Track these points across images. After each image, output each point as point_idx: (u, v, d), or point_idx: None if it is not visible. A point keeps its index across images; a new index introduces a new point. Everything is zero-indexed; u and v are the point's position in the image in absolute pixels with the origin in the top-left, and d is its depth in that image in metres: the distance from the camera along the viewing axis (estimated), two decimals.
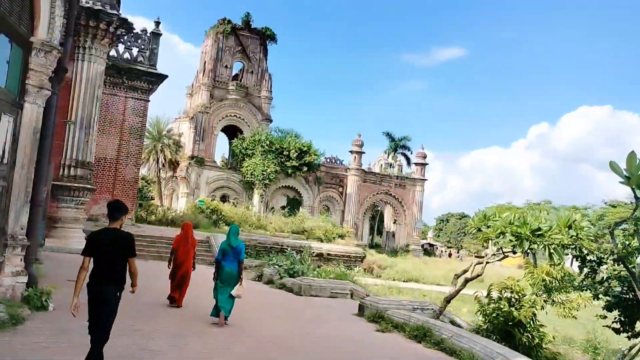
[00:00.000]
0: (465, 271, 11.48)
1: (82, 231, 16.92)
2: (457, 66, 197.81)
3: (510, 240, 10.16)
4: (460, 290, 11.02)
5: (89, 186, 16.08)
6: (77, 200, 16.12)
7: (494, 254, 11.56)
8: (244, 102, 46.38)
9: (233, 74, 48.13)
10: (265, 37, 48.62)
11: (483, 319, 10.30)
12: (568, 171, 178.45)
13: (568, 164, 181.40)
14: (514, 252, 10.39)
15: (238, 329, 8.83)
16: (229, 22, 47.07)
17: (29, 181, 7.49)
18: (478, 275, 11.17)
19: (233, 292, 8.95)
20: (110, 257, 5.07)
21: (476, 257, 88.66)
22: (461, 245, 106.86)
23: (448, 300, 11.14)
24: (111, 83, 20.97)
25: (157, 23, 22.38)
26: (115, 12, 15.51)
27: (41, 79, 7.40)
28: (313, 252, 20.95)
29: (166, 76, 22.09)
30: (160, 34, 22.34)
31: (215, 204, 33.70)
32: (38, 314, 7.45)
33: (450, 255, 69.93)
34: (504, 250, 10.75)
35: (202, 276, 13.22)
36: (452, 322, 12.32)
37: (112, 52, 21.33)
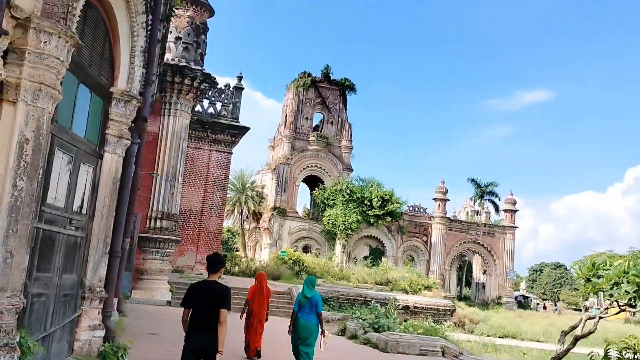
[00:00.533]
0: (574, 327, 10.18)
1: (167, 282, 17.01)
2: (542, 109, 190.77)
3: (627, 292, 8.91)
4: (570, 349, 9.74)
5: (174, 238, 16.24)
6: (162, 251, 16.29)
7: (607, 308, 10.19)
8: (324, 153, 46.63)
9: (313, 125, 48.75)
10: (344, 87, 49.15)
11: None
12: None
13: None
14: (632, 306, 9.08)
15: None
16: (309, 75, 48.08)
17: (108, 231, 7.38)
18: (590, 333, 9.85)
19: (320, 347, 8.48)
20: (208, 308, 5.13)
21: (575, 310, 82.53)
22: (558, 297, 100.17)
23: None
24: (196, 137, 21.56)
25: (240, 78, 22.98)
26: (199, 67, 15.95)
27: (121, 129, 7.38)
28: (398, 305, 19.83)
29: (248, 128, 22.46)
30: (242, 88, 22.89)
31: (297, 254, 33.48)
32: None
33: (545, 307, 65.32)
34: (620, 303, 9.45)
35: (281, 328, 12.69)
36: None
37: (198, 107, 22.03)
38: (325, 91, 48.62)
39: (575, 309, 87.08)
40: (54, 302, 6.28)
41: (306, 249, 44.16)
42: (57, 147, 5.97)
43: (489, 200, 56.12)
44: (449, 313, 20.37)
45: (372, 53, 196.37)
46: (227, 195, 45.20)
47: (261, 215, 44.98)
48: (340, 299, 20.57)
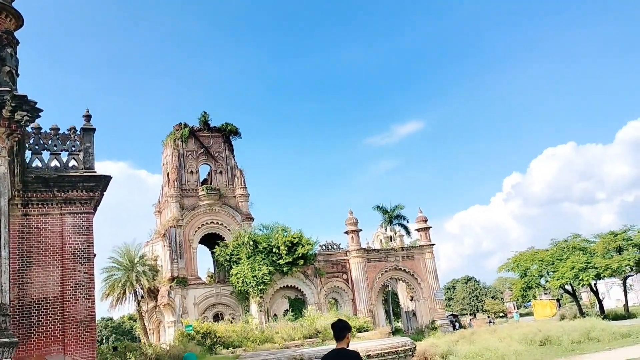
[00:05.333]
0: None
1: None
2: (418, 139, 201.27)
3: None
4: None
5: (5, 340, 10.85)
6: None
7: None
8: (218, 206, 41.85)
9: (201, 179, 43.98)
10: (228, 133, 45.13)
11: None
12: (551, 213, 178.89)
13: (549, 206, 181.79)
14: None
15: None
16: (186, 125, 43.58)
17: None
18: None
19: None
20: None
21: (502, 317, 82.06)
22: (477, 309, 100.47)
23: None
24: (39, 200, 16.29)
25: (87, 117, 18.05)
26: (6, 89, 11.14)
27: None
28: None
29: (109, 177, 17.51)
30: (93, 129, 17.93)
31: (206, 325, 28.12)
32: None
33: (469, 322, 63.45)
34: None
35: None
36: None
37: (36, 163, 16.85)
38: (207, 140, 44.27)
39: (502, 316, 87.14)
40: None
41: (218, 317, 38.61)
42: None
43: (398, 224, 53.92)
44: (410, 353, 16.35)
45: (254, 100, 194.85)
46: (114, 277, 39.14)
47: (159, 291, 38.88)
48: None
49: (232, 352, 25.63)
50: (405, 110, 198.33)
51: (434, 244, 46.31)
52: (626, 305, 44.73)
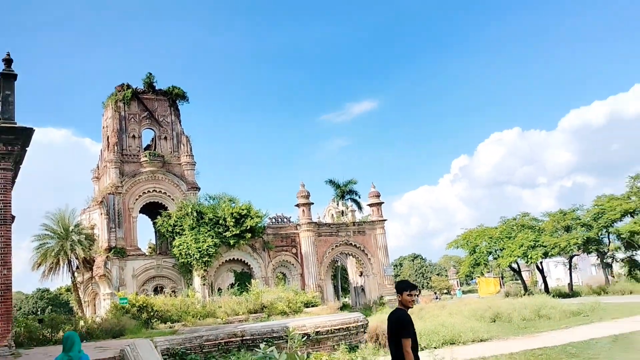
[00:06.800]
0: None
1: None
2: (372, 118, 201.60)
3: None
4: None
5: None
6: None
7: None
8: (162, 173, 39.48)
9: (145, 144, 41.41)
10: (174, 96, 42.49)
11: None
12: (495, 195, 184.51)
13: (493, 189, 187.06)
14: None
15: None
16: (129, 86, 40.75)
17: None
18: None
19: None
20: (392, 337, 5.48)
21: (447, 293, 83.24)
22: (422, 286, 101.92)
23: None
24: None
25: (8, 61, 15.71)
26: None
27: None
28: (296, 334, 14.07)
29: (31, 130, 15.25)
30: (14, 76, 15.59)
31: (142, 298, 26.15)
32: None
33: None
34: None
35: None
36: None
37: None
38: (152, 103, 41.58)
39: (446, 293, 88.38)
40: None
41: (159, 290, 36.63)
42: None
43: (350, 199, 53.07)
44: (362, 330, 15.05)
45: (207, 68, 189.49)
46: (47, 245, 36.41)
47: (95, 261, 36.46)
48: (206, 346, 14.24)
49: (170, 327, 23.87)
50: (361, 89, 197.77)
51: (385, 220, 45.49)
52: (570, 284, 45.35)
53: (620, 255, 48.75)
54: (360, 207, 51.90)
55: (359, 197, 52.41)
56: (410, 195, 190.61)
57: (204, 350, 14.41)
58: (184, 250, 36.52)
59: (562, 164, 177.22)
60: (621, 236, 40.59)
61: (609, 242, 42.85)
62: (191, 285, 36.54)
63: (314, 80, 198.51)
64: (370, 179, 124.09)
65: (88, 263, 37.07)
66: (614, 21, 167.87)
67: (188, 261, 36.53)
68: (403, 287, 5.72)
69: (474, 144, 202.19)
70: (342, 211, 48.88)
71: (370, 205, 46.14)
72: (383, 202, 45.99)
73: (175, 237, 37.23)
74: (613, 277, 49.99)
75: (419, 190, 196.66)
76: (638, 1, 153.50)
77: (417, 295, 6.24)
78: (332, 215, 49.85)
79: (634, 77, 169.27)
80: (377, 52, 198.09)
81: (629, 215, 38.86)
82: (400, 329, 5.17)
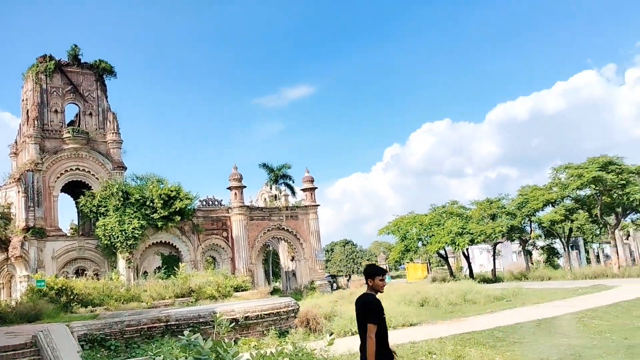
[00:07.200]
0: None
1: None
2: (309, 103, 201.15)
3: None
4: None
5: None
6: None
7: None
8: (86, 151, 37.50)
9: (68, 120, 39.18)
10: (101, 70, 40.39)
11: None
12: (424, 184, 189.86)
13: (422, 177, 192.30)
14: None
15: None
16: (51, 58, 38.33)
17: None
18: None
19: None
20: (360, 322, 5.27)
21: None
22: (352, 271, 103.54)
23: None
24: None
25: None
26: None
27: None
28: (223, 320, 13.53)
29: None
30: None
31: (61, 281, 24.71)
32: None
33: (347, 281, 64.68)
34: None
35: None
36: None
37: None
38: (77, 76, 39.36)
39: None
40: None
41: (81, 273, 34.92)
42: None
43: (284, 183, 52.81)
44: (293, 315, 14.68)
45: (139, 43, 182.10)
46: None
47: (10, 242, 34.25)
48: (127, 332, 13.43)
49: (92, 311, 22.71)
50: (297, 73, 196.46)
51: (318, 205, 45.43)
52: (494, 270, 47.10)
53: (541, 243, 51.17)
54: (293, 192, 51.74)
55: (293, 182, 52.24)
56: (343, 182, 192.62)
57: (124, 336, 13.65)
58: (108, 232, 34.98)
59: (488, 155, 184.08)
60: (542, 225, 42.52)
61: (531, 230, 44.74)
62: (115, 268, 35.09)
63: (249, 62, 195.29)
64: (304, 164, 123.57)
65: (3, 243, 34.71)
66: (540, 19, 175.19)
67: (112, 243, 35.04)
68: (375, 272, 5.54)
69: (407, 133, 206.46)
70: (276, 195, 48.44)
71: (304, 190, 45.95)
72: (317, 188, 45.93)
73: (99, 218, 35.60)
74: (532, 264, 52.36)
75: (352, 176, 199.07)
76: (562, 3, 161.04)
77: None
78: (265, 199, 49.34)
79: (556, 75, 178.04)
80: (314, 37, 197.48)
81: (550, 205, 40.67)
82: (368, 313, 5.07)
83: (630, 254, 45.06)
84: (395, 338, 12.37)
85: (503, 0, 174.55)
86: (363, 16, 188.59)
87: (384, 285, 5.64)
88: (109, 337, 13.39)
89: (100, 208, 35.70)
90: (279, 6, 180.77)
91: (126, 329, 13.78)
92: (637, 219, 56.94)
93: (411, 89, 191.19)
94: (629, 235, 52.14)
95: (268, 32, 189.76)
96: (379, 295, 5.54)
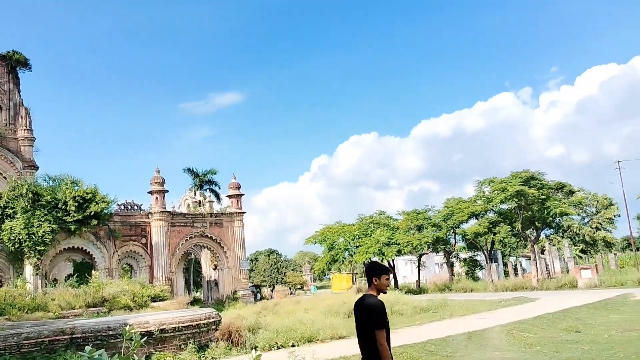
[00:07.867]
0: None
1: None
2: (238, 111, 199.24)
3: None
4: None
5: None
6: None
7: None
8: None
9: None
10: (14, 62, 37.57)
11: None
12: (350, 195, 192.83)
13: (349, 189, 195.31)
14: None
15: None
16: None
17: None
18: None
19: None
20: (362, 329, 4.65)
21: (301, 289, 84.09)
22: (276, 281, 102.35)
23: None
24: None
25: None
26: None
27: None
28: (136, 333, 12.26)
29: None
30: None
31: None
32: None
33: (271, 292, 63.61)
34: None
35: None
36: None
37: None
38: None
39: (300, 288, 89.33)
40: None
41: None
42: None
43: (209, 189, 51.24)
44: (214, 327, 13.52)
45: (67, 37, 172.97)
46: None
47: None
48: (25, 345, 11.87)
49: None
50: (227, 80, 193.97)
51: (244, 212, 44.19)
52: (418, 282, 47.53)
53: (464, 255, 52.28)
54: (219, 198, 50.33)
55: (219, 188, 50.82)
56: (269, 191, 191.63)
57: (22, 350, 12.07)
58: (14, 236, 32.18)
59: (412, 169, 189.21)
60: (466, 237, 43.35)
61: (455, 242, 45.55)
62: (22, 274, 32.30)
63: (177, 65, 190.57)
64: (231, 171, 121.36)
65: None
66: (463, 42, 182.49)
67: (19, 248, 32.27)
68: (382, 270, 4.78)
69: (334, 144, 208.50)
70: (200, 201, 46.78)
71: (230, 196, 44.59)
72: (243, 194, 44.69)
73: (5, 221, 32.72)
74: (454, 275, 53.45)
75: (278, 186, 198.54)
76: (483, 28, 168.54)
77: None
78: (189, 205, 47.51)
79: (476, 95, 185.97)
80: (245, 44, 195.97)
81: (474, 217, 41.57)
82: (373, 318, 4.42)
83: (546, 268, 46.78)
84: (325, 353, 11.63)
85: (430, 25, 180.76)
86: (295, 27, 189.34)
87: (388, 285, 4.94)
88: (2, 352, 11.78)
89: (6, 209, 32.84)
90: (209, 12, 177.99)
91: (24, 342, 12.20)
92: (551, 234, 59.70)
93: (340, 102, 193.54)
94: (543, 250, 54.32)
95: (199, 36, 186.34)
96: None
